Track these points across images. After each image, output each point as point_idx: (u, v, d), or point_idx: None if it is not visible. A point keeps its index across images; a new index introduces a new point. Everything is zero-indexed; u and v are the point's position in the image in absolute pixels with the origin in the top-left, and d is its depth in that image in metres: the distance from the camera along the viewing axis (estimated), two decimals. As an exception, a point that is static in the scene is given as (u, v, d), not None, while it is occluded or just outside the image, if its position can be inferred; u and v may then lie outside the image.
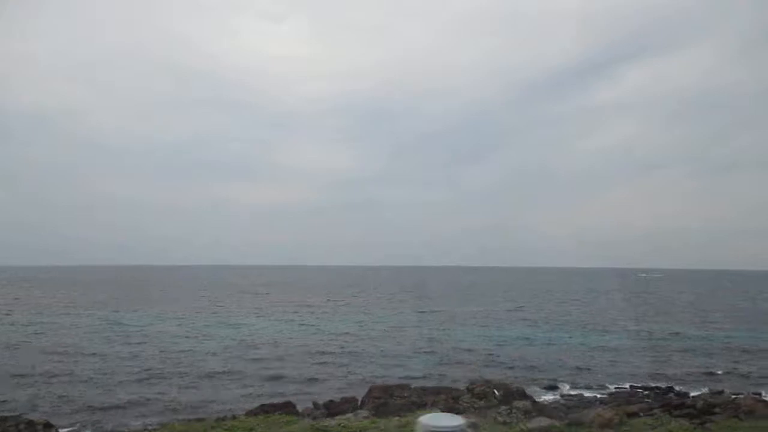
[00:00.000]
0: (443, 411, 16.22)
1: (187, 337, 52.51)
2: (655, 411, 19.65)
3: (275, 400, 22.71)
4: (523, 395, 19.89)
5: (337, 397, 25.52)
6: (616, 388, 34.15)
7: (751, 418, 15.85)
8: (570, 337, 55.16)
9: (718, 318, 74.74)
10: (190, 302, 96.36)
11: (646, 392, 32.35)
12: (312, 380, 34.96)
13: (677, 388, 33.71)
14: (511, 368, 40.16)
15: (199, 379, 35.16)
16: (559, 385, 34.75)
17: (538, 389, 34.13)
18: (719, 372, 38.30)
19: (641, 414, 18.33)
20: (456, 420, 5.97)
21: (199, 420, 17.28)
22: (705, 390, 31.99)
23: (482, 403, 17.81)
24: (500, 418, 13.96)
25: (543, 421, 12.69)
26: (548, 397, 31.85)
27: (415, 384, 27.49)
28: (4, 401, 28.85)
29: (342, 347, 47.86)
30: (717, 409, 18.21)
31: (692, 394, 31.15)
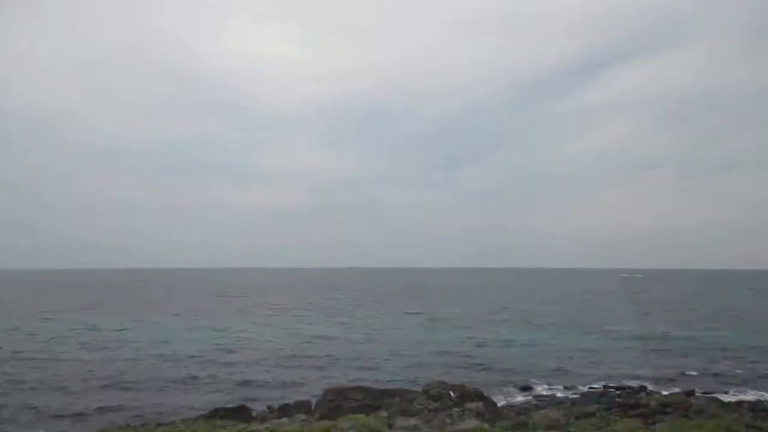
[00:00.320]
0: (396, 413, 15.96)
1: (164, 341, 51.90)
2: (614, 411, 19.50)
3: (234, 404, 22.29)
4: (481, 397, 19.64)
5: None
6: (590, 388, 34.10)
7: (701, 416, 15.73)
8: (551, 338, 55.18)
9: (698, 318, 75.15)
10: (174, 305, 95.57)
11: (618, 392, 32.29)
12: (282, 384, 34.62)
13: (650, 387, 33.74)
14: (487, 369, 40.09)
15: (169, 384, 34.74)
16: (534, 386, 34.72)
17: (512, 390, 34.07)
18: (694, 372, 38.35)
19: (598, 414, 18.16)
20: None
21: (143, 426, 16.85)
22: (676, 389, 31.96)
23: (437, 404, 17.56)
24: (449, 420, 13.70)
25: (470, 423, 12.43)
26: (521, 398, 31.77)
27: (383, 386, 27.25)
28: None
29: (320, 350, 47.55)
30: (669, 409, 18.10)
31: (664, 393, 31.10)
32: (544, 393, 32.71)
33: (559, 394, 32.33)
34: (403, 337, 55.90)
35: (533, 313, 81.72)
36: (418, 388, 23.19)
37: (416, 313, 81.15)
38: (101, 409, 28.88)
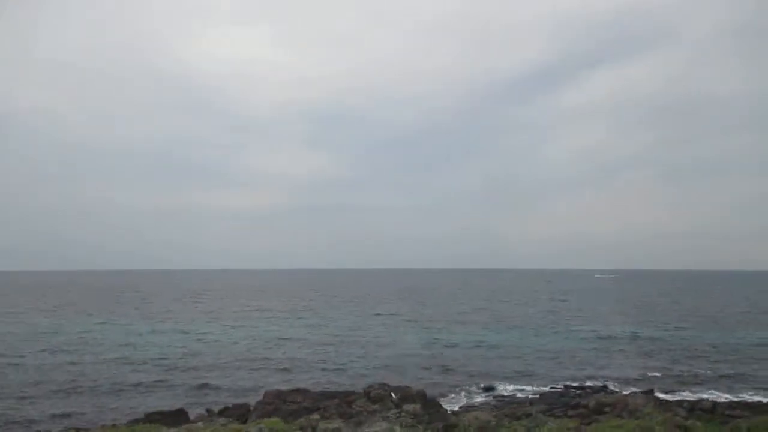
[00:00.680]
0: (335, 415, 15.59)
1: (127, 344, 50.84)
2: (555, 411, 19.39)
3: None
4: (423, 398, 19.36)
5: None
6: (551, 388, 34.10)
7: (634, 416, 15.65)
8: (520, 339, 55.22)
9: (666, 318, 75.97)
10: (144, 307, 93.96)
11: (579, 391, 32.35)
12: (242, 388, 33.99)
13: (611, 387, 33.92)
14: (451, 371, 39.86)
15: (126, 388, 33.90)
16: (497, 387, 34.59)
17: (475, 390, 33.93)
18: (657, 373, 38.53)
19: (535, 414, 17.97)
20: None
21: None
22: (635, 389, 32.14)
23: (377, 406, 17.25)
24: (385, 423, 13.37)
25: (381, 426, 12.14)
26: (480, 399, 31.63)
27: (348, 388, 26.87)
28: None
29: (286, 353, 47.00)
30: (607, 409, 18.03)
31: (624, 392, 31.21)
32: (505, 393, 32.61)
33: (519, 395, 32.25)
34: (372, 339, 55.50)
35: (504, 315, 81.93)
36: (359, 390, 22.89)
37: (389, 315, 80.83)
38: (54, 416, 28.02)
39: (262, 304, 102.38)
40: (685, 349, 48.23)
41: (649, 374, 38.15)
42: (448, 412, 19.49)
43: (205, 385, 34.45)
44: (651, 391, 31.23)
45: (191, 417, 20.11)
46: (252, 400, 29.72)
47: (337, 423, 12.47)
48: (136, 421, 18.33)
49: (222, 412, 21.59)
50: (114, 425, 17.08)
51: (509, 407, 18.47)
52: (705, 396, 30.95)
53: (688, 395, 30.32)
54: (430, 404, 18.94)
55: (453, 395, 32.97)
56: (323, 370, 40.20)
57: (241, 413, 19.98)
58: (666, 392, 31.87)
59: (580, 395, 31.22)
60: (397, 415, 13.89)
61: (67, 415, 28.21)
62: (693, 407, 20.02)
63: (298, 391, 21.65)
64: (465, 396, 32.49)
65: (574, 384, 34.78)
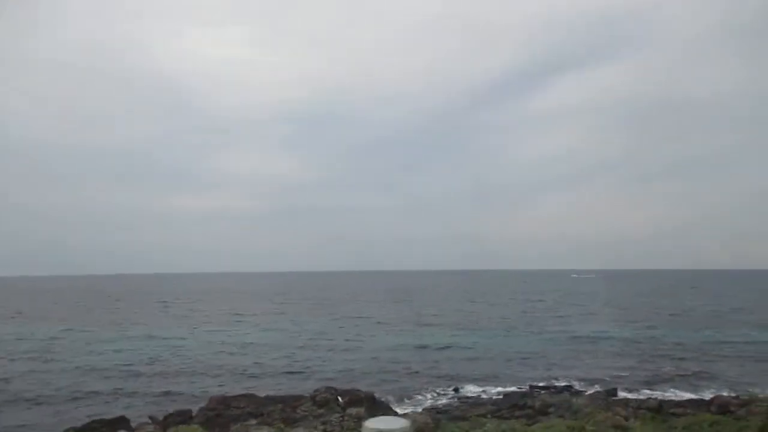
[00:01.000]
0: (278, 420, 15.22)
1: (90, 352, 49.65)
2: (503, 412, 19.28)
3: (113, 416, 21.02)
4: (372, 401, 19.06)
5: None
6: (518, 388, 34.12)
7: (576, 416, 15.56)
8: (491, 341, 55.20)
9: (639, 317, 76.65)
10: (112, 312, 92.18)
11: (543, 392, 32.31)
12: (203, 396, 33.10)
13: (577, 387, 34.02)
14: (417, 374, 39.61)
15: (83, 397, 32.96)
16: (464, 388, 34.52)
17: (440, 392, 33.76)
18: (623, 372, 38.72)
19: (489, 415, 17.85)
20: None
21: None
22: (599, 389, 32.35)
23: (322, 411, 16.91)
24: (326, 427, 13.02)
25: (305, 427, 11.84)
26: (445, 401, 31.41)
27: (299, 393, 26.41)
28: None
29: (253, 358, 46.27)
30: (551, 409, 17.96)
31: (588, 392, 31.32)
32: (469, 395, 32.52)
33: (484, 396, 32.18)
34: (343, 342, 55.02)
35: (478, 316, 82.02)
36: (305, 394, 22.53)
37: (361, 317, 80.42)
38: (6, 428, 27.19)
39: (236, 307, 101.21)
40: (653, 349, 48.63)
41: (615, 374, 38.33)
42: (398, 414, 19.24)
43: (167, 393, 33.66)
44: (614, 390, 31.46)
45: (133, 425, 19.52)
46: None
47: (265, 430, 12.09)
48: (77, 431, 17.70)
49: (166, 419, 21.03)
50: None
51: (458, 410, 18.19)
52: (669, 394, 31.37)
53: (650, 393, 30.53)
54: (378, 406, 18.62)
55: (419, 397, 32.77)
56: (287, 374, 39.71)
57: (183, 420, 19.45)
58: (630, 391, 32.06)
59: (534, 396, 31.36)
60: (340, 418, 13.58)
61: (21, 426, 27.40)
62: (640, 406, 20.04)
63: (243, 396, 21.16)
64: (430, 398, 32.30)
65: (540, 384, 34.85)
